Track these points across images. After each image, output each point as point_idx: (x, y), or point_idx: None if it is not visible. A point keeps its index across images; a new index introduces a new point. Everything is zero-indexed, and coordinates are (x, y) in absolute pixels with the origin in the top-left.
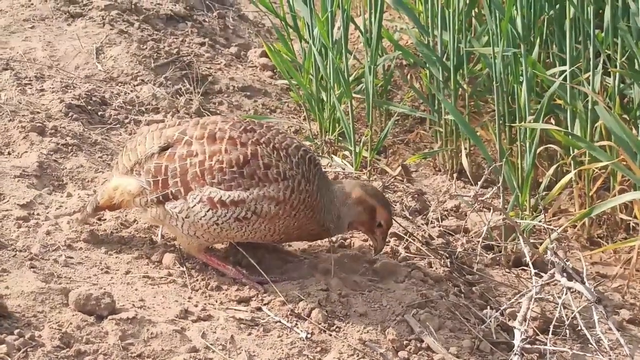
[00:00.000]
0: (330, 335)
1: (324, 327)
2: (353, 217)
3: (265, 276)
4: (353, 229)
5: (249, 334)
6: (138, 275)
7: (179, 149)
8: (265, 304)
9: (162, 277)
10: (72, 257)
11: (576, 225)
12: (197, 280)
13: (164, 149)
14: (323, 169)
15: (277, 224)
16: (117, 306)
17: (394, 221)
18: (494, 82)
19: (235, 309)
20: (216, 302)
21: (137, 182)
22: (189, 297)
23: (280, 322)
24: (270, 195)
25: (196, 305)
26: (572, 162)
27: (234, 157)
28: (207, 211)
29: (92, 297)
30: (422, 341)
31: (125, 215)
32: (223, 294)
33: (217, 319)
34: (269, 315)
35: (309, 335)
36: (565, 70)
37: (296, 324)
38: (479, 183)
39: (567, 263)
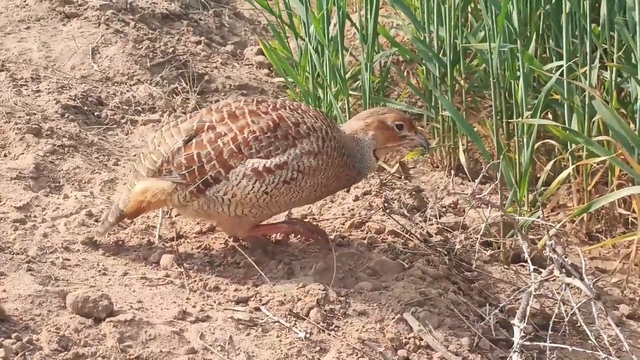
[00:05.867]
0: (329, 334)
1: (323, 326)
2: (373, 145)
3: (264, 276)
4: (383, 154)
5: (248, 334)
6: (136, 277)
7: (205, 135)
8: (263, 304)
9: (159, 279)
10: (69, 259)
11: (575, 221)
12: (195, 281)
13: (187, 140)
14: None
15: (319, 176)
16: (115, 308)
17: (404, 118)
18: (491, 78)
19: (233, 309)
20: (214, 302)
21: (169, 180)
22: (187, 298)
23: (278, 322)
24: (307, 150)
25: (194, 306)
26: (570, 157)
27: (264, 124)
28: (255, 182)
29: (89, 299)
30: (421, 339)
31: None
32: (221, 294)
33: (216, 319)
34: (267, 315)
35: (307, 335)
36: (562, 65)
37: (295, 324)
38: (477, 180)
39: (566, 259)
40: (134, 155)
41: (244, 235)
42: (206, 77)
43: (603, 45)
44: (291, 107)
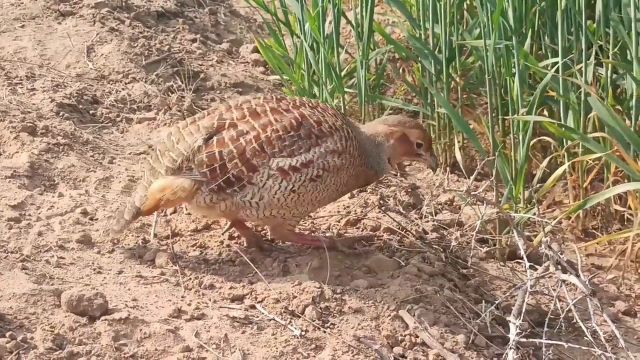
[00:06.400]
0: (325, 332)
1: (318, 324)
2: (390, 153)
3: (259, 273)
4: (394, 163)
5: (243, 332)
6: (131, 275)
7: (227, 133)
8: (259, 302)
9: (155, 277)
10: (64, 258)
11: (571, 217)
12: (190, 279)
13: (208, 138)
14: None
15: (342, 175)
16: (110, 306)
17: (424, 137)
18: (486, 75)
19: (229, 307)
20: (210, 300)
21: (190, 178)
22: (182, 296)
23: (274, 319)
24: (331, 149)
25: (189, 304)
26: (565, 154)
27: (287, 123)
28: (281, 182)
29: (84, 298)
30: (417, 336)
31: None
32: (216, 292)
33: (211, 317)
34: (262, 313)
35: (303, 333)
36: (557, 62)
37: (290, 322)
38: (472, 177)
39: (562, 256)
40: (129, 154)
41: (288, 238)
42: (202, 75)
43: (599, 41)
44: (310, 105)
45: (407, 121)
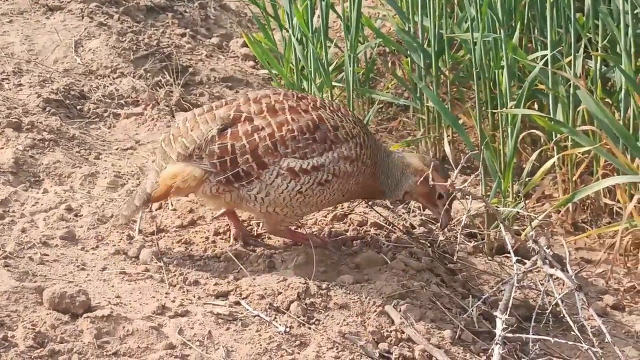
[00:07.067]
0: (310, 328)
1: (303, 320)
2: (410, 188)
3: (244, 270)
4: (411, 199)
5: (227, 328)
6: (115, 272)
7: (242, 127)
8: (243, 298)
9: (139, 273)
10: (47, 255)
11: (560, 211)
12: (175, 275)
13: (222, 129)
14: None
15: (350, 182)
16: (93, 304)
17: (449, 192)
18: (474, 68)
19: (213, 304)
20: (194, 297)
21: (200, 167)
22: (166, 293)
23: (258, 316)
24: (345, 155)
25: (173, 301)
26: (555, 147)
27: (304, 124)
28: (289, 182)
29: (66, 295)
30: (403, 332)
31: (103, 211)
32: (201, 288)
33: (195, 314)
34: (247, 310)
35: (287, 329)
36: (546, 55)
37: (275, 318)
38: (456, 171)
39: (548, 250)
40: (116, 149)
41: (284, 234)
42: (190, 70)
43: (588, 34)
44: (331, 108)
45: (442, 170)
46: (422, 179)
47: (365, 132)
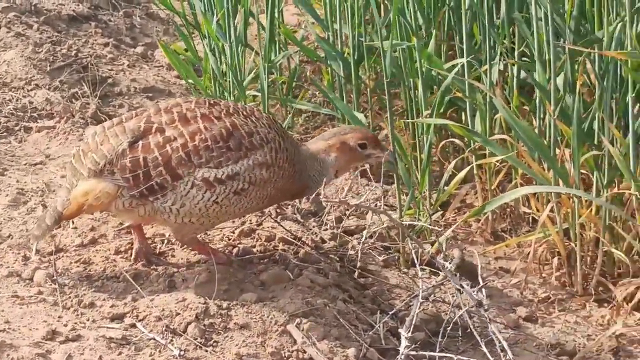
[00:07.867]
0: (206, 351)
1: (201, 342)
2: (336, 165)
3: (141, 291)
4: (347, 171)
5: (119, 353)
6: (6, 295)
7: (153, 138)
8: (140, 320)
9: (31, 296)
10: None
11: (480, 220)
12: (70, 297)
13: (133, 142)
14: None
15: (268, 188)
16: None
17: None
18: (385, 78)
19: (107, 327)
20: (88, 320)
21: (112, 182)
22: (59, 317)
23: (154, 339)
24: (260, 162)
25: (65, 325)
26: (473, 156)
27: (217, 132)
28: (205, 192)
29: None
30: (304, 352)
31: (0, 230)
32: (96, 310)
33: (87, 339)
34: (142, 332)
35: (182, 353)
36: (462, 63)
37: (171, 340)
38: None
39: (450, 265)
40: (25, 164)
41: (191, 244)
42: (110, 80)
43: (504, 42)
44: (244, 112)
45: (342, 129)
46: (336, 151)
47: (281, 135)
